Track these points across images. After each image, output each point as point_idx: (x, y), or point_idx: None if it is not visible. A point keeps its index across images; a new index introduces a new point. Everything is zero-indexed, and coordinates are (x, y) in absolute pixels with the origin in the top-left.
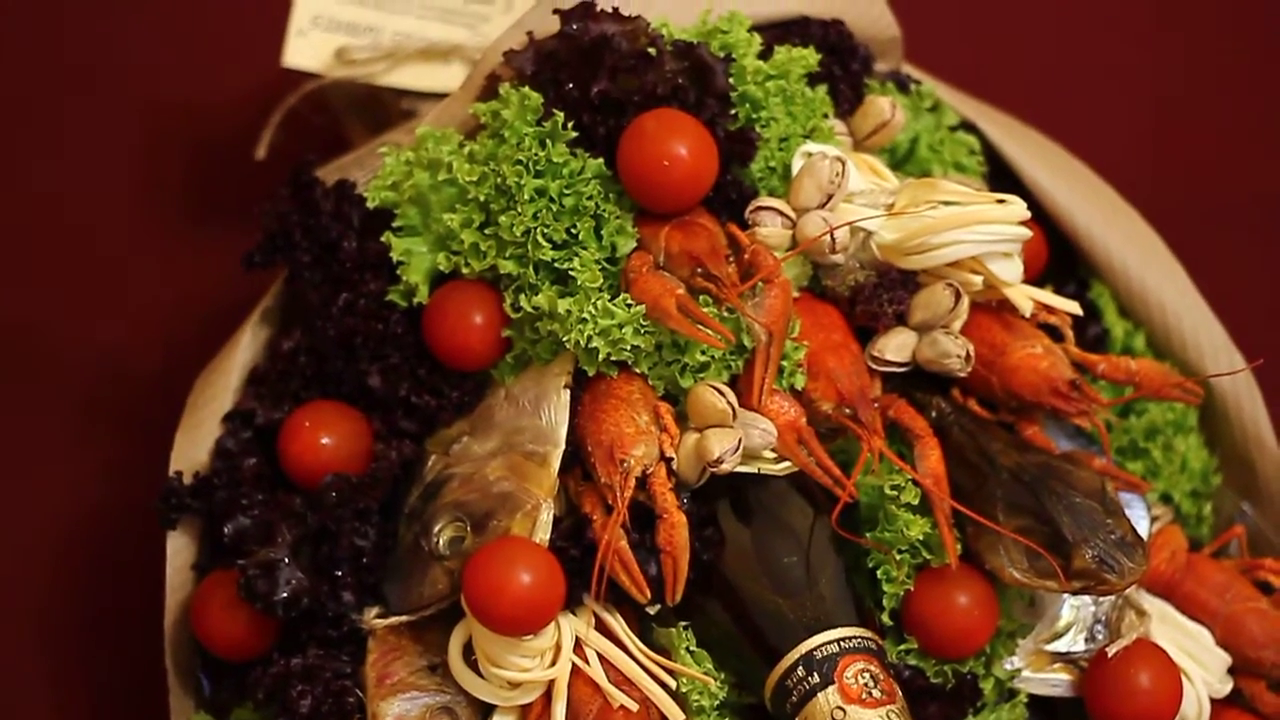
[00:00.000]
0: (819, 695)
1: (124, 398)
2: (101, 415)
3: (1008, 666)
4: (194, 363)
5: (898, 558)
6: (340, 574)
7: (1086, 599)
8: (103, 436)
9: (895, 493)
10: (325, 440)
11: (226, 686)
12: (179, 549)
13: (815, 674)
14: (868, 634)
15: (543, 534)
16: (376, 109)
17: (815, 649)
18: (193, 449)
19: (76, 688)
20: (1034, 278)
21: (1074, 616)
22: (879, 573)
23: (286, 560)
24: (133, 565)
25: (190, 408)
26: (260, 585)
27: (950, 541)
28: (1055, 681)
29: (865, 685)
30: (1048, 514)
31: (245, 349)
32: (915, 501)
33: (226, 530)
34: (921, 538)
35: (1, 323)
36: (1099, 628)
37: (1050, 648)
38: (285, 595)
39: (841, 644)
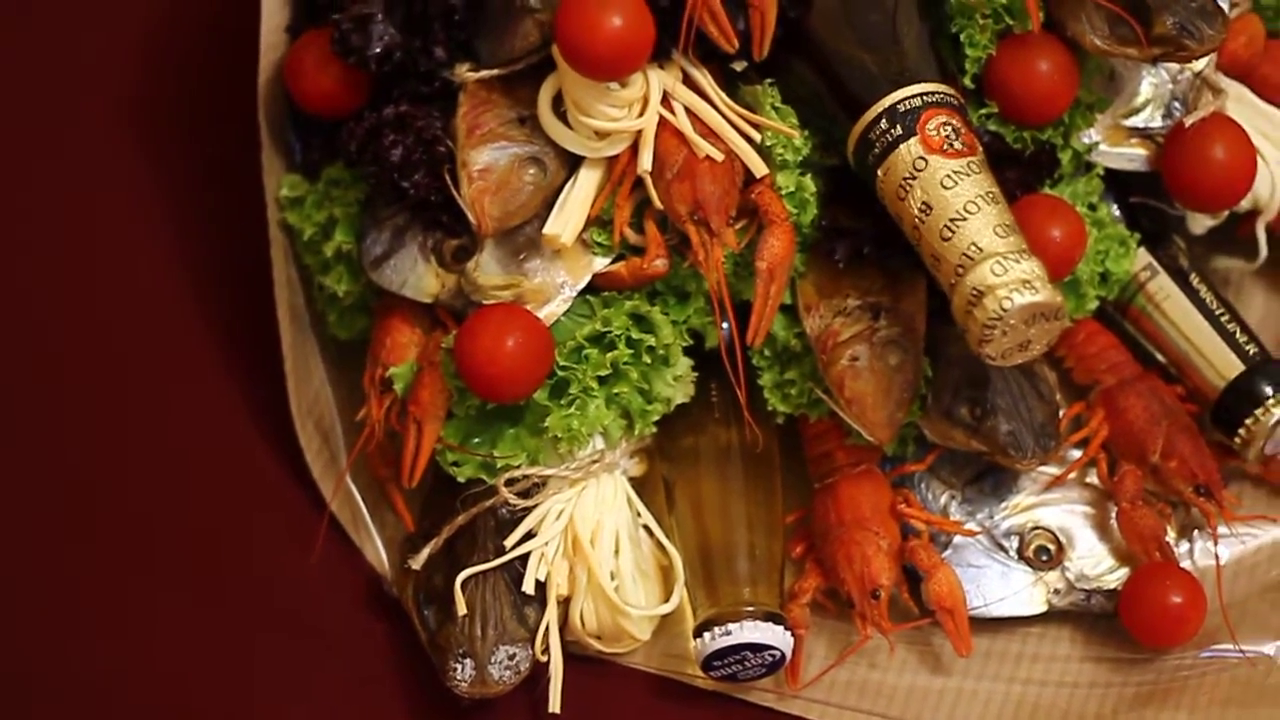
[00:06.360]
0: (901, 146)
1: None
2: None
3: (1085, 140)
4: None
5: (981, 22)
6: (433, 29)
7: (1165, 76)
8: None
9: None
10: None
11: (318, 146)
12: (273, 10)
13: (898, 126)
14: (950, 90)
15: None
16: None
17: (899, 102)
18: None
19: (171, 162)
20: None
21: (1152, 93)
22: (962, 37)
23: (380, 16)
24: (222, 37)
25: None
26: (354, 39)
27: (1033, 6)
28: (1131, 156)
29: (947, 137)
30: None
31: None
32: None
33: None
34: (1005, 2)
35: None
36: (1176, 104)
37: (1128, 123)
38: (378, 50)
39: (924, 98)
